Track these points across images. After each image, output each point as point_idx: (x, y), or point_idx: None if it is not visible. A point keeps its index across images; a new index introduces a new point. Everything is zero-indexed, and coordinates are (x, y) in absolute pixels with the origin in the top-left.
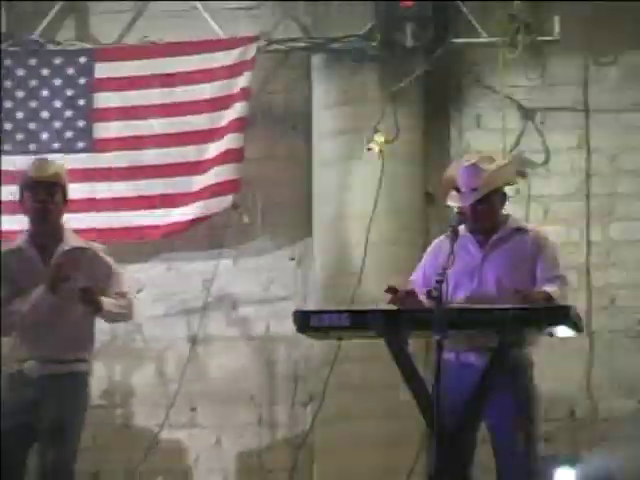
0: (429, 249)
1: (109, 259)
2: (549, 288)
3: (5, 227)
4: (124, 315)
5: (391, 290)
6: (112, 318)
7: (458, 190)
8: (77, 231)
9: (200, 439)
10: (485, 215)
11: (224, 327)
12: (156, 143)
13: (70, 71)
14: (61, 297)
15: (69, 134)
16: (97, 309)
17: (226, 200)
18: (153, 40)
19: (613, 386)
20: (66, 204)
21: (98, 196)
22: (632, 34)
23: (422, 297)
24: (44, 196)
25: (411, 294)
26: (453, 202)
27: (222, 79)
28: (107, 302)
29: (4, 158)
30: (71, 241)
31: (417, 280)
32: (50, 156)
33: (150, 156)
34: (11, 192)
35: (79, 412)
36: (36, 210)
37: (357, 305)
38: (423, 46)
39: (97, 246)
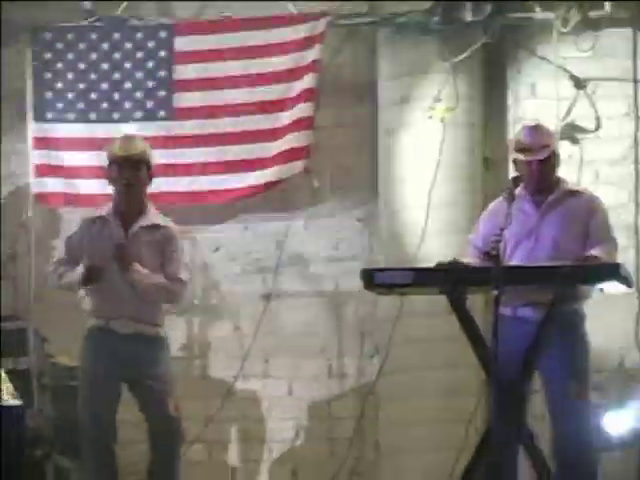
0: (486, 211)
1: (180, 243)
2: (599, 252)
3: (86, 191)
4: (164, 296)
5: (442, 266)
6: (146, 291)
7: (524, 149)
8: (158, 195)
9: (273, 389)
10: (545, 175)
11: (296, 284)
12: (233, 112)
13: (151, 44)
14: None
15: (150, 104)
16: (125, 269)
17: (298, 165)
18: (229, 15)
19: None
20: (150, 179)
21: (178, 162)
22: None
23: (477, 260)
24: (130, 173)
25: (457, 263)
26: (523, 157)
27: (294, 52)
28: (146, 274)
29: (89, 126)
30: (151, 217)
31: (475, 240)
32: (131, 126)
33: (227, 124)
34: (93, 157)
35: (167, 370)
36: (122, 186)
37: (419, 263)
38: (481, 20)
39: (173, 227)
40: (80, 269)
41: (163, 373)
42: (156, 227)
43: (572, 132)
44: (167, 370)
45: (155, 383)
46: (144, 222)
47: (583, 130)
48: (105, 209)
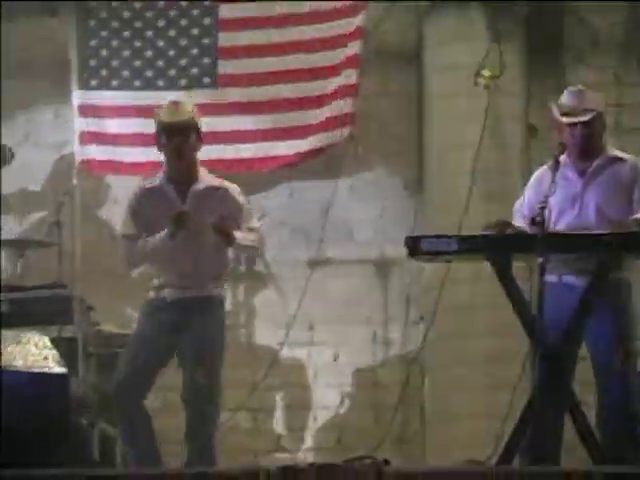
0: (532, 179)
1: (240, 197)
2: None
3: (131, 158)
4: (254, 248)
5: (492, 225)
6: (243, 250)
7: (568, 113)
8: (204, 163)
9: (318, 356)
10: (588, 140)
11: (341, 251)
12: (277, 79)
13: (195, 12)
14: (194, 231)
15: (194, 71)
16: (229, 242)
17: (343, 132)
18: None
19: None
20: (200, 144)
21: (223, 129)
22: None
23: (523, 226)
24: (179, 139)
25: (511, 226)
26: (567, 120)
27: (338, 19)
28: (239, 236)
29: (133, 93)
30: (205, 180)
31: (521, 208)
32: (176, 93)
33: (271, 91)
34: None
35: (220, 333)
36: (172, 152)
37: (464, 231)
38: None
39: (229, 185)
40: (161, 233)
41: (218, 340)
42: (212, 189)
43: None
44: (222, 337)
45: (207, 350)
46: (199, 186)
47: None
48: (157, 179)
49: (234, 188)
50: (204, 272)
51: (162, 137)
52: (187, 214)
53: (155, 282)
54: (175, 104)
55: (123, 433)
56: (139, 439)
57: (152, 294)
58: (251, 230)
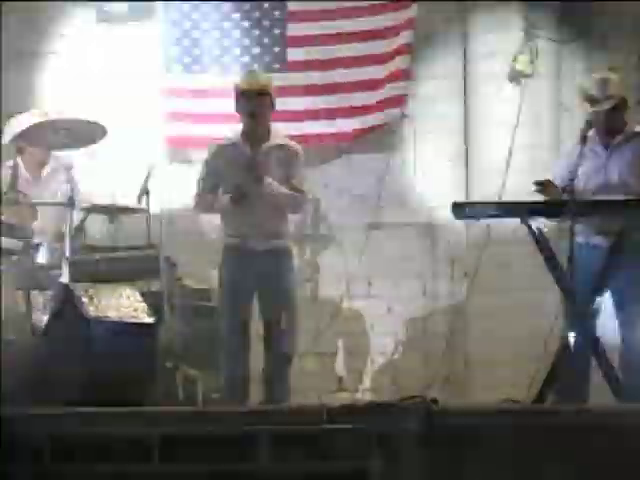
0: (562, 152)
1: (302, 159)
2: None
3: (211, 135)
4: (292, 206)
5: (539, 182)
6: (275, 200)
7: (592, 100)
8: None
9: (375, 308)
10: (611, 121)
11: (395, 216)
12: (340, 65)
13: (266, 5)
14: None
15: (267, 58)
16: (258, 181)
17: (396, 112)
18: None
19: None
20: (273, 108)
21: (291, 108)
22: None
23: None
24: (255, 103)
25: (554, 185)
26: (591, 108)
27: (394, 12)
28: (276, 185)
29: (212, 77)
30: (276, 138)
31: (553, 179)
32: None
33: (335, 75)
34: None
35: (292, 282)
36: (248, 116)
37: (503, 197)
38: None
39: (296, 145)
40: (226, 196)
41: (290, 285)
42: (281, 146)
43: None
44: (293, 281)
45: (280, 296)
46: (270, 143)
47: None
48: (233, 138)
49: (299, 149)
50: (274, 223)
51: (240, 101)
52: (246, 194)
53: (230, 233)
54: (252, 73)
55: (225, 379)
56: (238, 384)
57: (229, 244)
58: (299, 191)
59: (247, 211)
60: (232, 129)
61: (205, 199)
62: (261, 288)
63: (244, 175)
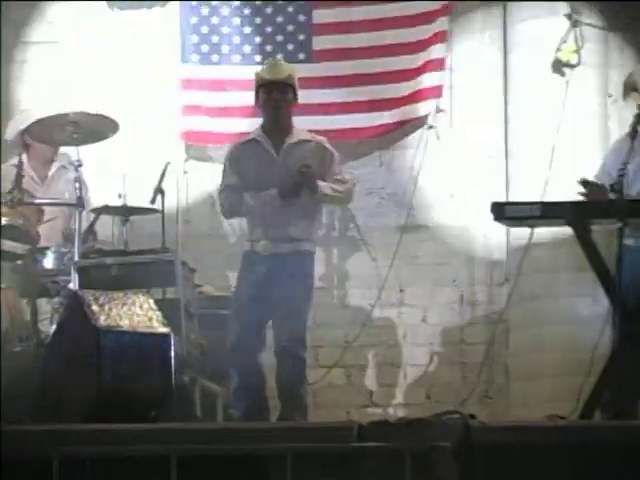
0: (610, 147)
1: (332, 149)
2: None
3: (231, 129)
4: (340, 199)
5: (584, 182)
6: (327, 200)
7: (637, 90)
8: None
9: (408, 316)
10: None
11: (428, 217)
12: (369, 54)
13: None
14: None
15: (290, 46)
16: (313, 188)
17: (431, 104)
18: None
19: None
20: (296, 101)
21: (316, 101)
22: None
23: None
24: (277, 95)
25: (600, 186)
26: (635, 101)
27: None
28: (324, 185)
29: (232, 67)
30: (298, 134)
31: (600, 176)
32: None
33: (363, 66)
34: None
35: (308, 288)
36: (270, 108)
37: (547, 197)
38: None
39: (321, 138)
40: (269, 192)
41: (306, 294)
42: (305, 142)
43: None
44: (310, 291)
45: (293, 303)
46: (292, 139)
47: None
48: (254, 132)
49: (325, 140)
50: (296, 226)
51: (261, 92)
52: (301, 184)
53: (250, 235)
54: (274, 62)
55: (234, 391)
56: (250, 397)
57: (247, 246)
58: (340, 181)
59: (265, 213)
60: (252, 124)
61: (234, 201)
62: (274, 293)
63: (266, 175)
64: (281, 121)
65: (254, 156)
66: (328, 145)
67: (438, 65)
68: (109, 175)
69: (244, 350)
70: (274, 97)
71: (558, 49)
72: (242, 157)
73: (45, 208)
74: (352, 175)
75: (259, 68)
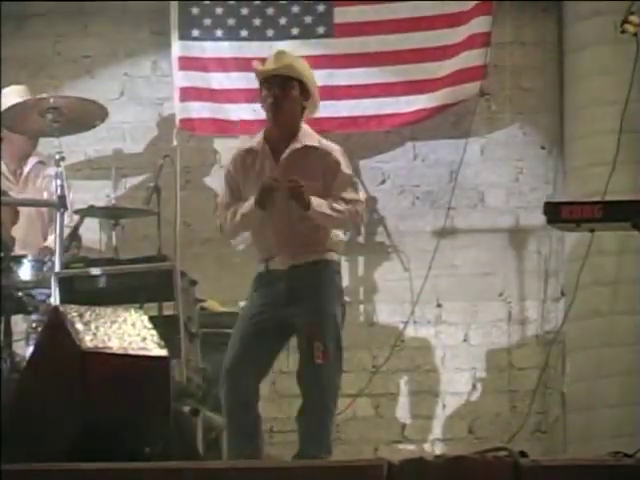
0: None
1: (343, 162)
2: None
3: (238, 116)
4: (337, 219)
5: None
6: (324, 221)
7: None
8: (316, 122)
9: (447, 336)
10: None
11: (471, 219)
12: (400, 28)
13: None
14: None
15: (308, 19)
16: (303, 206)
17: (473, 87)
18: None
19: None
20: (307, 99)
21: (338, 83)
22: None
23: None
24: (278, 90)
25: None
26: None
27: None
28: (318, 202)
29: (239, 44)
30: (304, 139)
31: None
32: (286, 43)
33: (393, 41)
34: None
35: (334, 297)
36: (269, 105)
37: (609, 195)
38: None
39: (332, 146)
40: (250, 201)
41: (331, 310)
42: (310, 148)
43: None
44: (337, 307)
45: (320, 322)
46: (296, 145)
47: None
48: (256, 139)
49: (336, 150)
50: (303, 238)
51: (263, 90)
52: (276, 183)
53: (259, 256)
54: (278, 53)
55: (227, 426)
56: (242, 438)
57: (261, 268)
58: (344, 200)
59: (269, 228)
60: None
61: (225, 215)
62: (293, 314)
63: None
64: (283, 122)
65: (252, 166)
66: (338, 156)
67: (482, 41)
68: (96, 171)
69: (239, 379)
70: (274, 92)
71: (624, 21)
72: (240, 168)
73: (21, 209)
74: (363, 194)
75: (269, 49)
